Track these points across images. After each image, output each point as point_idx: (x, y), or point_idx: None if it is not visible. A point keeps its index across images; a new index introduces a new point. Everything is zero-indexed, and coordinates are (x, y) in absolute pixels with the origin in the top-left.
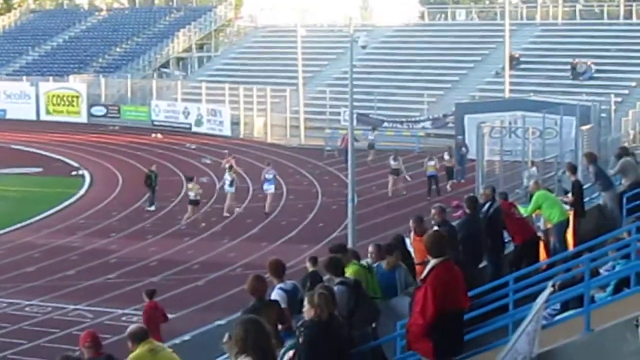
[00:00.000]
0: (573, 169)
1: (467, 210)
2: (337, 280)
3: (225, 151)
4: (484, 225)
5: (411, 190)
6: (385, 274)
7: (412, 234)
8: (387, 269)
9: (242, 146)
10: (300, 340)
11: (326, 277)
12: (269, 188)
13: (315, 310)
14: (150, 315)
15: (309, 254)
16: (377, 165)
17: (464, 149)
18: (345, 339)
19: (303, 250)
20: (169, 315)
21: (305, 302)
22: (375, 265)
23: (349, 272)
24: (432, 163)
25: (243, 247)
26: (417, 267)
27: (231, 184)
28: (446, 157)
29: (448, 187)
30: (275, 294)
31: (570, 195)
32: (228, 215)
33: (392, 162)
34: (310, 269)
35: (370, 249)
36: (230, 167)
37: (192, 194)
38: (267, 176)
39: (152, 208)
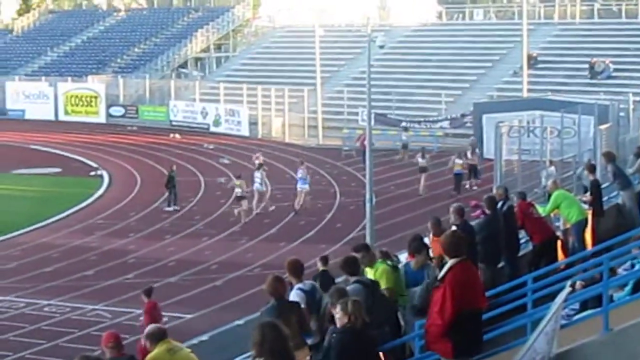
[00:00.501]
0: (592, 168)
1: (487, 210)
2: (353, 279)
3: (255, 149)
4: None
5: (430, 190)
6: (414, 273)
7: (430, 235)
8: (416, 268)
9: (260, 146)
10: (332, 345)
11: (341, 278)
12: (303, 187)
13: (350, 318)
14: (152, 315)
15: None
16: (397, 165)
17: (477, 150)
18: (375, 345)
19: (321, 250)
20: (187, 316)
21: (339, 309)
22: (403, 264)
23: (379, 270)
24: (459, 161)
25: (261, 247)
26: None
27: (261, 183)
28: (469, 155)
29: (474, 186)
30: (294, 295)
31: (588, 194)
32: (260, 212)
33: (420, 160)
34: (321, 268)
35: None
36: (260, 166)
37: (239, 191)
38: (299, 174)
39: (171, 209)
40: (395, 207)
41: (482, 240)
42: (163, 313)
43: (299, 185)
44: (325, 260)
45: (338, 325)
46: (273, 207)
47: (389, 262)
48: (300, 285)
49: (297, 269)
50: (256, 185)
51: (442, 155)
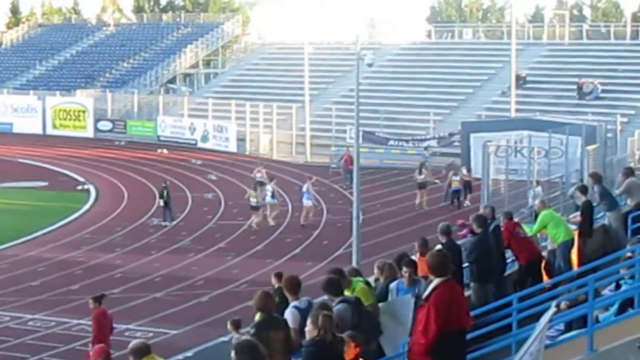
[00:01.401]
0: (584, 189)
1: (477, 230)
2: (338, 299)
3: (258, 162)
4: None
5: (417, 208)
6: (405, 290)
7: (417, 254)
8: (408, 285)
9: (247, 162)
10: (303, 358)
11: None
12: (307, 201)
13: (319, 331)
14: (101, 323)
15: (312, 272)
16: (383, 184)
17: (455, 176)
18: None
19: (308, 268)
20: (173, 332)
21: (309, 322)
22: (396, 282)
23: (357, 289)
24: (457, 178)
25: (247, 263)
26: None
27: (272, 195)
28: (464, 172)
29: (467, 202)
30: (289, 313)
31: (579, 214)
32: (274, 224)
33: (418, 176)
34: (276, 285)
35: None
36: (272, 179)
37: (253, 201)
38: (305, 189)
39: (166, 223)
40: (382, 225)
41: (474, 259)
42: (150, 329)
43: (304, 200)
44: (279, 276)
45: (307, 338)
46: (273, 223)
47: (361, 279)
48: (295, 303)
49: (294, 285)
50: (267, 198)
51: (432, 173)
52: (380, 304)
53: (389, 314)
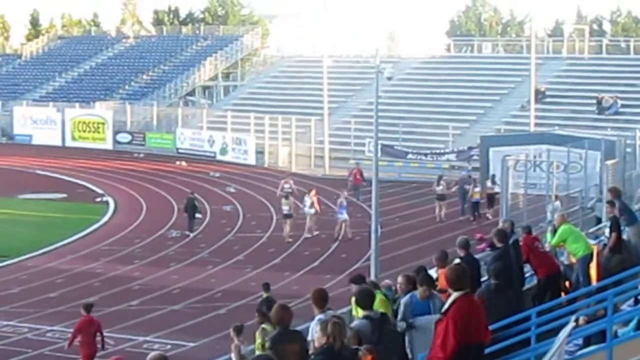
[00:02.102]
0: (612, 203)
1: (498, 244)
2: (363, 313)
3: (285, 174)
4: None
5: (436, 222)
6: (420, 304)
7: (436, 268)
8: (422, 299)
9: (266, 175)
10: None
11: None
12: (341, 215)
13: (328, 339)
14: (83, 328)
15: (331, 285)
16: (401, 197)
17: (466, 185)
18: None
19: (326, 281)
20: (190, 344)
21: (318, 330)
22: (409, 295)
23: (377, 301)
24: (477, 190)
25: (265, 276)
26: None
27: (311, 206)
28: (489, 184)
29: (489, 215)
30: (313, 325)
31: (607, 231)
32: (309, 236)
33: (436, 188)
34: (265, 295)
35: (400, 279)
36: (310, 190)
37: (286, 209)
38: (339, 203)
39: (188, 233)
40: (401, 239)
41: (496, 273)
42: (168, 341)
43: (339, 215)
44: (267, 287)
45: (316, 345)
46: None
47: (384, 292)
48: (320, 315)
49: (321, 298)
50: (306, 209)
51: (448, 187)
52: (417, 318)
53: (423, 330)
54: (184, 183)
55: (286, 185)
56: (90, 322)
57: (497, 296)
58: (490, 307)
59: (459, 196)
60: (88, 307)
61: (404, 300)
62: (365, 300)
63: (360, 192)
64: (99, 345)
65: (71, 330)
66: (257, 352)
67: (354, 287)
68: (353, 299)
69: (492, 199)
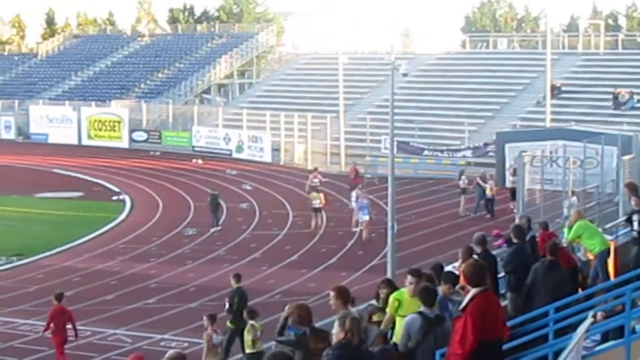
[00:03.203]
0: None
1: (515, 240)
2: (422, 309)
3: (314, 168)
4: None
5: (453, 219)
6: (440, 301)
7: (460, 262)
8: (442, 297)
9: (282, 173)
10: None
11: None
12: (364, 217)
13: (346, 334)
14: (55, 317)
15: (347, 282)
16: (417, 194)
17: (484, 183)
18: None
19: (342, 278)
20: None
21: (336, 325)
22: None
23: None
24: (489, 185)
25: (282, 274)
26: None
27: (357, 200)
28: (511, 177)
29: (512, 206)
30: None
31: (636, 224)
32: (356, 230)
33: (460, 182)
34: (235, 285)
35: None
36: (355, 185)
37: (316, 203)
38: (358, 202)
39: (214, 229)
40: (417, 236)
41: (513, 269)
42: (185, 339)
43: (360, 215)
44: (238, 277)
45: (334, 341)
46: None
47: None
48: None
49: (343, 295)
50: (353, 204)
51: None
52: None
53: None
54: (200, 181)
55: (315, 180)
56: (62, 311)
57: (551, 273)
58: (543, 283)
59: (477, 193)
60: (59, 297)
61: None
62: (425, 297)
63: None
64: (72, 335)
65: (87, 328)
66: (248, 350)
67: (410, 279)
68: (396, 293)
69: (515, 192)
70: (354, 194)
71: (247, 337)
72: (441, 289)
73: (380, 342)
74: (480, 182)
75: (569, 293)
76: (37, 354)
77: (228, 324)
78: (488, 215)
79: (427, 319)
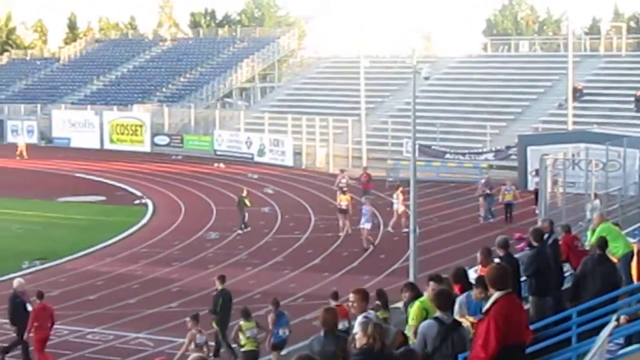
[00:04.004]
0: None
1: (534, 243)
2: (438, 314)
3: (339, 170)
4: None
5: (474, 222)
6: (474, 304)
7: (479, 265)
8: (477, 300)
9: (304, 176)
10: None
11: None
12: (365, 224)
13: (368, 339)
14: (38, 314)
15: (369, 286)
16: (439, 197)
17: (488, 190)
18: None
19: (364, 282)
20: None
21: (359, 330)
22: (465, 294)
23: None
24: (509, 191)
25: (304, 277)
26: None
27: (398, 202)
28: (536, 179)
29: (537, 210)
30: (357, 323)
31: None
32: (406, 230)
33: (481, 187)
34: (219, 287)
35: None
36: (397, 187)
37: (344, 204)
38: (363, 211)
39: (241, 231)
40: (439, 239)
41: (533, 272)
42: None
43: (363, 223)
44: (222, 279)
45: (357, 346)
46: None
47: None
48: (365, 314)
49: (366, 297)
50: (395, 206)
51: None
52: None
53: None
54: (222, 185)
55: (343, 180)
56: (44, 308)
57: (600, 265)
58: (593, 276)
59: (485, 200)
60: (40, 295)
61: (459, 299)
62: (441, 301)
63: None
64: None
65: (109, 332)
66: (242, 348)
67: (432, 285)
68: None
69: (537, 195)
70: (365, 203)
71: (241, 336)
72: (473, 293)
73: (400, 341)
74: (485, 188)
75: (617, 284)
76: (61, 357)
77: (214, 324)
78: (491, 220)
79: (443, 325)
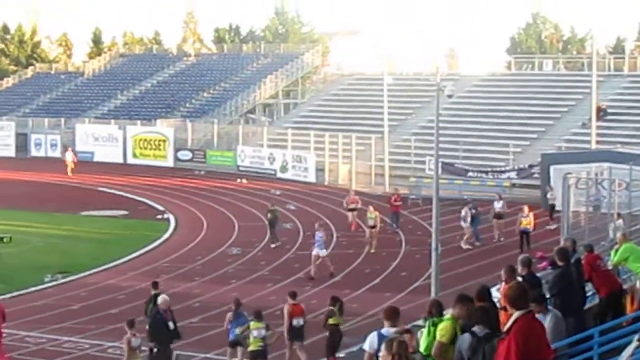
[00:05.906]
0: None
1: (560, 262)
2: (474, 328)
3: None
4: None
5: (492, 240)
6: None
7: (502, 283)
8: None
9: (326, 193)
10: None
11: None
12: (320, 251)
13: (393, 357)
14: None
15: (390, 302)
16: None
17: (473, 210)
18: None
19: (386, 299)
20: None
21: (383, 349)
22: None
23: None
24: (526, 218)
25: (325, 294)
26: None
27: (465, 219)
28: (550, 195)
29: (552, 226)
30: (368, 338)
31: None
32: (469, 247)
33: (496, 205)
34: (153, 292)
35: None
36: (467, 203)
37: (372, 221)
38: (317, 237)
39: (273, 245)
40: (461, 257)
41: (557, 292)
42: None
43: (316, 250)
44: (155, 284)
45: None
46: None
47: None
48: (382, 330)
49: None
50: (462, 223)
51: (509, 206)
52: None
53: None
54: (244, 201)
55: (352, 205)
56: None
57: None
58: None
59: (472, 224)
60: None
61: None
62: (478, 316)
63: (399, 221)
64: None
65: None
66: (249, 348)
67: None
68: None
69: (553, 209)
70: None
71: (250, 336)
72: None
73: None
74: (473, 210)
75: None
76: None
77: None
78: (477, 243)
79: (476, 337)
